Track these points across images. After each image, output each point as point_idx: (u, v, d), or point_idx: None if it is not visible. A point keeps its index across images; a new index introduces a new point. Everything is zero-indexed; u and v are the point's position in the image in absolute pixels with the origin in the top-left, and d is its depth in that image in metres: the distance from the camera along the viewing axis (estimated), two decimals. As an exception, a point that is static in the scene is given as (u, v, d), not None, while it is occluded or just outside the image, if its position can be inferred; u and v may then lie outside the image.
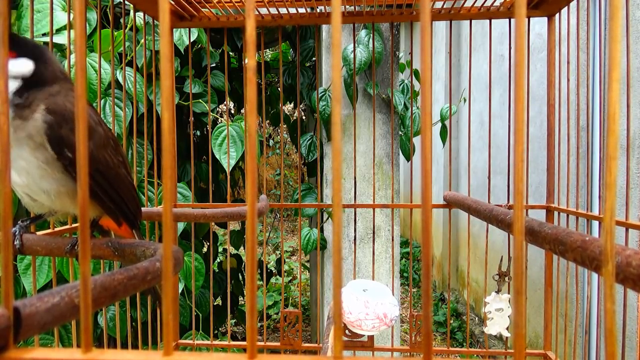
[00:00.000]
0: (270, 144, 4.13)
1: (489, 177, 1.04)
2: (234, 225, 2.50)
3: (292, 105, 2.65)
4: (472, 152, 2.68)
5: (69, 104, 0.52)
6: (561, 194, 1.02)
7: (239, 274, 2.08)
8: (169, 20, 0.22)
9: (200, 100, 1.58)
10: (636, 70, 1.50)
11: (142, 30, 1.23)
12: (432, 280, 2.82)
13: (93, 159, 0.54)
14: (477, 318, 2.92)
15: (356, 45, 1.53)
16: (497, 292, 0.94)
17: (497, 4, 0.96)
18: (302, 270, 1.74)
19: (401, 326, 2.80)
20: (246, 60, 0.24)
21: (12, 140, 0.50)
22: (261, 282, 2.84)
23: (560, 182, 0.99)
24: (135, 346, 1.39)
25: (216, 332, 1.94)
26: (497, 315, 0.94)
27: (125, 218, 0.60)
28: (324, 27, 1.71)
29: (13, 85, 0.50)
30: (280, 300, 2.00)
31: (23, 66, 0.51)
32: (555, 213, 0.96)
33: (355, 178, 1.17)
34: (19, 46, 0.52)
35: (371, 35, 1.54)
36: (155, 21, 1.08)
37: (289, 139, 2.40)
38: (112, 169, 0.57)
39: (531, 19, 0.97)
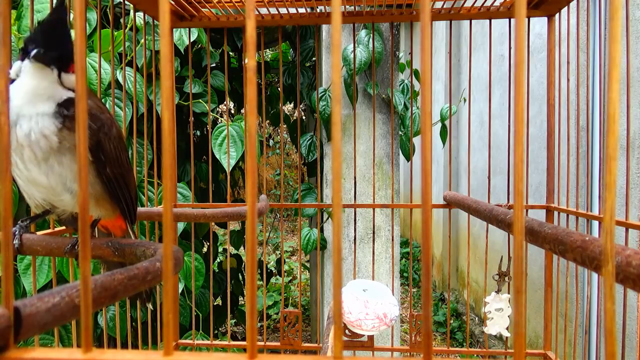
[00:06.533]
0: (270, 144, 4.12)
1: (489, 177, 1.04)
2: (234, 225, 2.50)
3: (292, 105, 2.64)
4: (472, 152, 2.68)
5: (102, 109, 0.56)
6: (561, 194, 1.01)
7: (239, 274, 2.08)
8: (169, 20, 0.22)
9: (200, 100, 1.58)
10: (636, 70, 1.50)
11: (142, 30, 1.23)
12: (432, 280, 2.81)
13: (119, 163, 0.56)
14: (477, 318, 2.92)
15: (356, 45, 1.53)
16: (497, 292, 0.94)
17: (497, 4, 0.96)
18: (302, 270, 1.74)
19: (401, 326, 2.80)
20: (246, 60, 0.24)
21: (51, 148, 0.51)
22: (261, 282, 2.84)
23: (560, 182, 0.99)
24: (135, 346, 1.39)
25: (216, 332, 1.94)
26: (497, 315, 0.94)
27: (130, 217, 0.61)
28: (324, 27, 1.71)
29: (67, 94, 0.52)
30: (280, 300, 2.00)
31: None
32: (555, 213, 0.96)
33: (355, 178, 1.17)
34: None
35: (371, 35, 1.54)
36: (155, 21, 1.08)
37: (289, 139, 2.40)
38: (130, 171, 0.59)
39: (531, 19, 0.97)
